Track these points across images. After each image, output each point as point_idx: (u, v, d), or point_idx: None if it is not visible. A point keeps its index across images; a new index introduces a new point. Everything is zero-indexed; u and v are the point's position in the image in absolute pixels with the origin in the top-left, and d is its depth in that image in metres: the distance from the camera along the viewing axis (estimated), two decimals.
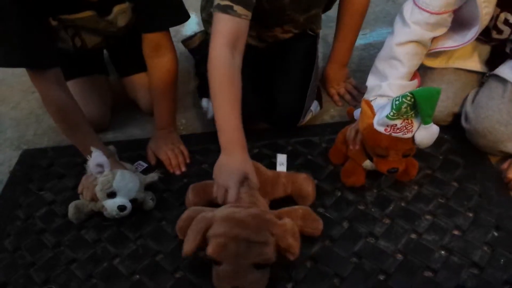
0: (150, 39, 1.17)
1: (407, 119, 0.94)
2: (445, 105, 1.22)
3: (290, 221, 0.91)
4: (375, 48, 1.70)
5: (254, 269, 0.86)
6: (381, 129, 0.97)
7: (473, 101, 1.19)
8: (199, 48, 1.49)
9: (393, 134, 0.96)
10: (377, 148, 1.01)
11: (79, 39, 1.25)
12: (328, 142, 1.26)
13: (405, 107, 0.91)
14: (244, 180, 0.95)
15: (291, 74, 1.31)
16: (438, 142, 1.21)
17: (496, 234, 0.98)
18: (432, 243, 0.97)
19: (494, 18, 1.11)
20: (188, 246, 0.89)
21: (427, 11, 1.10)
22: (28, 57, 1.04)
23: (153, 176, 1.13)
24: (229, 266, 0.85)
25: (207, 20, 1.39)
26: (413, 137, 0.97)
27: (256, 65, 1.30)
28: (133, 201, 1.06)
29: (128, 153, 1.28)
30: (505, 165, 1.11)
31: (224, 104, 1.00)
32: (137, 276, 0.97)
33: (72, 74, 1.35)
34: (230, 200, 0.93)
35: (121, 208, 1.03)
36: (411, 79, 1.16)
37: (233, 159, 0.97)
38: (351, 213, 1.06)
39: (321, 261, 0.96)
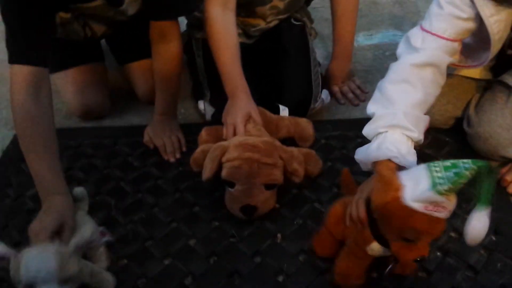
0: (157, 26, 1.16)
1: (450, 196, 0.71)
2: (446, 109, 1.20)
3: (296, 150, 1.04)
4: (379, 49, 1.69)
5: (264, 189, 0.97)
6: (419, 206, 0.71)
7: (476, 105, 1.18)
8: (188, 46, 1.49)
9: (435, 214, 0.71)
10: (408, 231, 0.73)
11: (89, 29, 1.25)
12: (327, 138, 1.25)
13: (463, 182, 0.67)
14: (249, 118, 1.07)
15: (290, 62, 1.31)
16: (439, 144, 1.21)
17: (494, 238, 0.96)
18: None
19: (509, 38, 1.07)
20: (207, 172, 1.00)
21: (444, 38, 0.96)
22: (18, 54, 0.98)
23: (80, 240, 0.78)
24: (242, 186, 0.96)
25: (192, 24, 1.40)
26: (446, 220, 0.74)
27: (251, 63, 1.30)
28: (69, 281, 0.75)
29: (125, 139, 1.27)
30: (504, 169, 1.10)
31: (224, 55, 1.13)
32: (125, 261, 0.94)
33: (70, 63, 1.35)
34: (238, 133, 1.05)
35: None
36: None
37: (238, 102, 1.09)
38: None
39: (313, 256, 0.94)
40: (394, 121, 0.86)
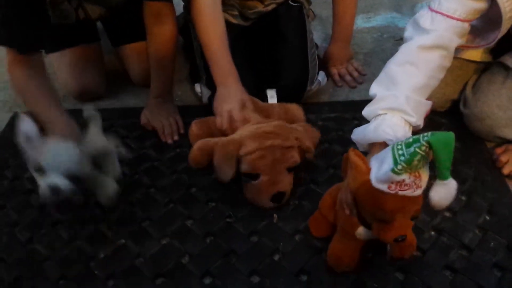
0: (152, 7, 1.15)
1: (415, 172, 0.70)
2: (443, 92, 1.20)
3: (302, 127, 1.04)
4: (378, 32, 1.68)
5: (287, 173, 0.98)
6: (383, 187, 0.72)
7: (473, 86, 1.18)
8: (185, 29, 1.49)
9: (400, 193, 0.71)
10: (378, 212, 0.75)
11: (82, 11, 1.23)
12: (324, 120, 1.25)
13: (418, 159, 0.67)
14: (243, 104, 1.04)
15: (286, 45, 1.30)
16: (435, 125, 1.21)
17: (488, 218, 0.97)
18: (422, 223, 0.96)
19: None
20: (227, 172, 0.96)
21: (454, 18, 0.93)
22: (10, 38, 1.02)
23: (99, 146, 0.88)
24: (268, 176, 0.95)
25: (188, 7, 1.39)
26: (422, 195, 0.74)
27: (247, 45, 1.30)
28: (74, 178, 0.83)
29: (122, 121, 1.27)
30: (499, 150, 1.10)
31: (212, 42, 1.11)
32: (123, 241, 0.95)
33: (66, 44, 1.34)
34: (236, 118, 1.02)
35: (53, 189, 0.80)
36: None
37: (229, 90, 1.06)
38: None
39: (309, 235, 0.95)
40: (395, 104, 0.86)
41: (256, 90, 1.28)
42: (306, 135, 1.03)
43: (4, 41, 1.02)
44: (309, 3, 1.45)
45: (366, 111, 0.91)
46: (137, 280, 0.88)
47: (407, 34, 0.98)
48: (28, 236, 0.97)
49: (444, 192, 0.72)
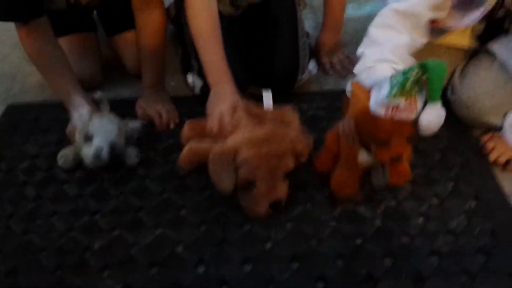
0: None
1: (411, 97, 0.78)
2: None
3: (293, 132, 1.01)
4: (370, 20, 1.67)
5: (283, 178, 0.96)
6: (381, 111, 0.81)
7: (460, 73, 1.19)
8: (177, 18, 1.48)
9: (396, 116, 0.81)
10: (377, 135, 0.86)
11: None
12: (316, 109, 1.27)
13: (411, 84, 0.76)
14: (235, 107, 1.02)
15: (276, 34, 1.30)
16: None
17: (474, 204, 1.00)
18: (410, 210, 0.99)
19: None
20: (228, 182, 0.94)
21: None
22: (12, 11, 1.04)
23: (135, 124, 1.10)
24: (264, 183, 0.93)
25: None
26: (416, 120, 0.82)
27: (237, 35, 1.30)
28: (113, 147, 1.03)
29: (117, 112, 1.26)
30: (486, 137, 1.12)
31: (207, 45, 1.09)
32: (117, 231, 0.97)
33: (62, 31, 1.33)
34: (225, 122, 1.00)
35: (98, 150, 1.00)
36: None
37: (223, 92, 1.05)
38: None
39: (301, 223, 0.97)
40: (382, 56, 0.96)
41: (247, 81, 1.29)
42: (298, 138, 1.01)
43: (3, 16, 1.06)
44: None
45: (356, 69, 1.00)
46: (132, 269, 0.90)
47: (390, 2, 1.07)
48: (24, 227, 0.98)
49: (434, 114, 0.81)
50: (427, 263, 0.89)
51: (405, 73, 0.77)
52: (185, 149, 1.02)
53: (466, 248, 0.91)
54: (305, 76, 1.31)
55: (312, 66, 1.34)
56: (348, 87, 0.97)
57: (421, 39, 1.05)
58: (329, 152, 0.99)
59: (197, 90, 1.31)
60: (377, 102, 0.81)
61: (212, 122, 1.03)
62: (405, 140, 0.87)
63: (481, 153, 1.11)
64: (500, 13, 1.13)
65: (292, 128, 1.04)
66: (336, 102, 1.28)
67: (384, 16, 1.04)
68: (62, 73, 1.16)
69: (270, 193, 0.94)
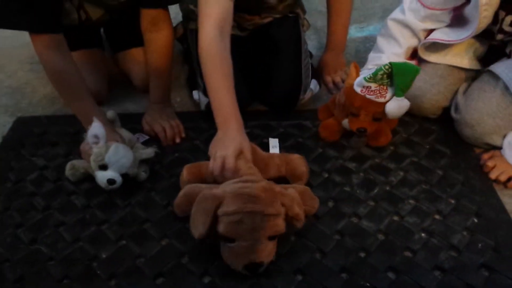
0: (148, 14, 1.18)
1: (382, 85, 1.07)
2: (436, 99, 1.24)
3: (294, 191, 0.94)
4: (371, 41, 1.73)
5: (268, 241, 0.88)
6: (357, 89, 1.10)
7: (464, 93, 1.22)
8: (184, 37, 1.52)
9: (367, 96, 1.10)
10: (351, 107, 1.13)
11: (83, 12, 1.26)
12: (318, 126, 1.28)
13: (381, 74, 1.05)
14: (240, 153, 0.98)
15: (280, 54, 1.34)
16: (425, 131, 1.26)
17: (476, 220, 1.01)
18: (413, 225, 1.00)
19: (500, 21, 1.13)
20: (200, 229, 0.87)
21: (421, 3, 1.19)
22: (33, 21, 1.06)
23: (150, 153, 1.10)
24: (245, 242, 0.86)
25: (186, 15, 1.42)
26: (383, 104, 1.11)
27: (242, 54, 1.33)
28: (124, 175, 1.06)
29: (122, 126, 1.29)
30: (486, 155, 1.15)
31: (218, 84, 1.04)
32: (124, 242, 0.98)
33: (71, 47, 1.35)
34: (228, 167, 0.95)
35: (110, 181, 1.03)
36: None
37: (229, 134, 1.00)
38: (337, 193, 1.08)
39: (305, 236, 0.98)
40: (379, 61, 1.23)
41: (250, 98, 1.33)
42: (296, 201, 0.92)
43: (26, 26, 1.08)
44: (304, 12, 1.49)
45: (363, 69, 1.27)
46: (138, 279, 0.91)
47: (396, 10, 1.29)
48: (32, 237, 0.99)
49: (396, 105, 1.11)
50: (430, 278, 0.90)
51: (381, 66, 1.05)
52: (180, 193, 1.00)
53: (469, 264, 0.92)
54: (307, 95, 1.34)
55: (313, 85, 1.36)
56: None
57: (413, 44, 1.27)
58: (328, 106, 1.27)
59: (202, 107, 1.34)
60: (357, 82, 1.10)
61: (214, 165, 0.98)
62: (371, 117, 1.14)
63: (482, 171, 1.13)
64: (499, 37, 1.16)
65: (297, 186, 1.00)
66: None
67: (387, 26, 1.27)
68: (80, 92, 1.16)
69: (248, 253, 0.87)
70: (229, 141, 0.99)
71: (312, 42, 1.71)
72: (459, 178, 1.12)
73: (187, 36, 1.43)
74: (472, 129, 1.16)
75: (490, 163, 1.12)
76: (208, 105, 1.29)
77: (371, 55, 1.32)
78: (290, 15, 1.42)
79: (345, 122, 1.18)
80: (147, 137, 1.24)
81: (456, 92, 1.25)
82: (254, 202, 0.86)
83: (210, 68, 1.05)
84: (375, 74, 1.05)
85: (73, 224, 1.02)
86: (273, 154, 1.12)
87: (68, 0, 1.19)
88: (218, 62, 1.04)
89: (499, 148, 1.15)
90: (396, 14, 1.26)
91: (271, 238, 0.88)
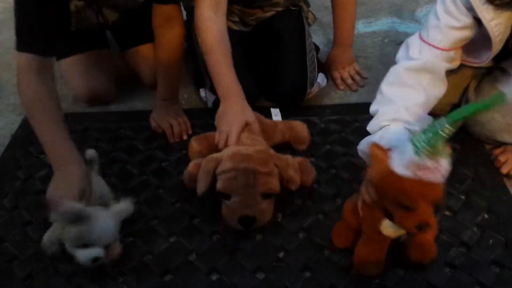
0: (162, 10, 1.18)
1: (436, 157, 0.72)
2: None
3: (291, 157, 1.01)
4: (378, 36, 1.72)
5: (261, 199, 0.94)
6: (407, 173, 0.73)
7: (475, 89, 1.20)
8: (189, 35, 1.52)
9: (424, 177, 0.73)
10: (402, 198, 0.76)
11: (101, 16, 1.27)
12: (326, 122, 1.28)
13: (441, 139, 0.70)
14: (244, 126, 1.03)
15: (284, 49, 1.33)
16: None
17: (486, 216, 1.00)
18: None
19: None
20: (201, 187, 0.97)
21: (439, 48, 1.01)
22: (27, 43, 1.02)
23: (129, 208, 0.92)
24: (239, 197, 0.94)
25: (191, 13, 1.41)
26: (442, 185, 0.75)
27: (247, 50, 1.33)
28: (108, 246, 0.89)
29: (130, 123, 1.31)
30: (498, 151, 1.13)
31: (217, 60, 1.09)
32: (131, 239, 0.98)
33: (76, 49, 1.37)
34: (230, 144, 1.01)
35: (96, 259, 0.86)
36: None
37: (233, 108, 1.05)
38: (345, 190, 1.07)
39: (312, 233, 0.98)
40: (397, 115, 0.92)
41: (256, 94, 1.32)
42: (291, 165, 0.98)
43: (25, 47, 1.01)
44: (308, 5, 1.48)
45: (370, 126, 0.96)
46: (146, 276, 0.91)
47: (398, 55, 1.06)
48: (40, 234, 0.98)
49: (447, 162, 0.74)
50: (440, 274, 0.89)
51: (425, 131, 0.71)
52: (191, 164, 1.03)
53: (479, 260, 0.91)
54: (314, 89, 1.33)
55: (321, 79, 1.36)
56: (362, 148, 0.95)
57: (439, 91, 1.03)
58: (347, 226, 0.91)
59: (210, 104, 1.34)
60: (403, 163, 0.73)
61: (219, 139, 1.04)
62: (432, 207, 0.77)
63: (493, 166, 1.12)
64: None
65: (296, 158, 1.03)
66: (347, 115, 1.31)
67: (397, 73, 1.00)
68: (57, 126, 0.99)
69: (242, 207, 0.93)
70: (233, 116, 1.04)
71: (319, 38, 1.70)
72: (469, 173, 1.10)
73: (192, 35, 1.43)
74: (482, 127, 1.15)
75: (502, 158, 1.10)
76: (215, 102, 1.30)
77: (379, 109, 0.97)
78: (293, 8, 1.41)
79: (388, 224, 0.82)
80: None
81: (465, 89, 1.23)
82: (248, 161, 0.94)
83: (209, 47, 1.09)
84: (432, 145, 0.69)
85: None
86: (277, 121, 1.19)
87: (89, 8, 1.20)
88: (215, 41, 1.09)
89: (510, 144, 1.13)
90: (407, 64, 1.01)
91: (265, 196, 0.95)
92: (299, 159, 1.04)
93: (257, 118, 1.09)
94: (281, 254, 0.94)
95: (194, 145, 1.11)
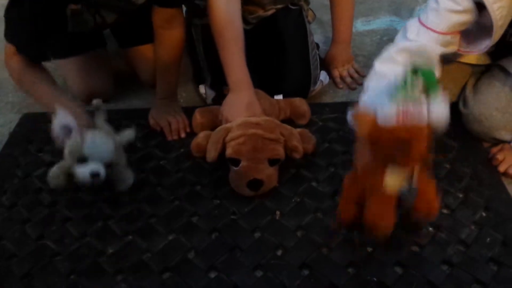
0: (163, 12, 1.17)
1: (415, 101, 0.80)
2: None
3: (293, 128, 1.09)
4: (377, 35, 1.72)
5: (268, 164, 1.01)
6: (392, 121, 0.80)
7: (473, 87, 1.21)
8: (188, 32, 1.52)
9: (407, 122, 0.80)
10: (396, 146, 0.79)
11: (99, 17, 1.27)
12: (325, 120, 1.28)
13: (412, 84, 0.80)
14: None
15: (287, 48, 1.33)
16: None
17: (484, 214, 1.00)
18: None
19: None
20: (212, 152, 1.03)
21: (436, 31, 1.02)
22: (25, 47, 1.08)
23: (130, 134, 1.01)
24: (247, 162, 1.00)
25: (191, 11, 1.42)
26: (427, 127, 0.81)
27: (248, 48, 1.32)
28: (108, 165, 0.95)
29: (128, 121, 1.29)
30: (495, 149, 1.13)
31: (228, 45, 1.10)
32: (130, 237, 0.98)
33: (74, 50, 1.37)
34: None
35: (94, 175, 0.91)
36: None
37: (241, 99, 1.09)
38: None
39: (311, 231, 0.98)
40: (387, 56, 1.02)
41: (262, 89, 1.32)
42: (294, 135, 1.07)
43: (21, 48, 1.08)
44: (308, 3, 1.48)
45: (361, 102, 1.02)
46: (145, 274, 0.91)
47: (397, 38, 1.08)
48: (39, 232, 0.99)
49: (440, 108, 0.83)
50: (438, 272, 0.89)
51: (406, 80, 0.81)
52: (200, 135, 1.11)
53: (477, 258, 0.91)
54: (317, 87, 1.33)
55: (323, 76, 1.37)
56: (350, 117, 0.93)
57: None
58: (349, 199, 0.91)
59: (209, 100, 1.34)
60: (385, 114, 0.80)
61: (222, 122, 1.10)
62: (424, 145, 0.80)
63: (491, 165, 1.12)
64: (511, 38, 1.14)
65: (296, 129, 1.11)
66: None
67: (391, 53, 1.03)
68: (49, 86, 1.13)
69: (251, 171, 1.00)
70: (240, 109, 1.08)
71: (318, 36, 1.70)
72: (467, 171, 1.11)
73: (191, 32, 1.43)
74: (480, 124, 1.15)
75: (499, 156, 1.10)
76: (215, 99, 1.30)
77: (370, 84, 1.02)
78: (294, 7, 1.41)
79: (391, 179, 0.83)
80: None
81: (464, 87, 1.23)
82: (255, 128, 1.02)
83: (220, 31, 1.10)
84: (404, 90, 0.79)
85: (79, 220, 1.02)
86: (279, 99, 1.25)
87: (85, 11, 1.20)
88: (227, 26, 1.10)
89: (508, 142, 1.14)
90: (407, 43, 1.04)
91: (271, 162, 1.02)
92: (299, 129, 1.13)
93: (264, 96, 1.16)
94: (279, 252, 0.94)
95: (198, 116, 1.18)
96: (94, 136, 0.93)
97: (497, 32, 1.01)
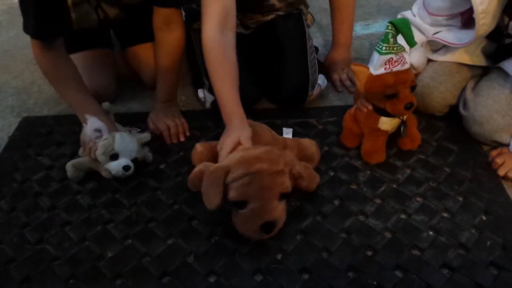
0: (162, 13, 1.18)
1: (398, 51, 1.00)
2: (443, 97, 1.23)
3: (291, 153, 1.00)
4: (376, 38, 1.72)
5: (278, 201, 0.91)
6: (381, 70, 1.02)
7: (473, 89, 1.21)
8: (187, 36, 1.52)
9: (394, 69, 1.02)
10: (386, 90, 1.03)
11: (101, 11, 1.27)
12: (324, 124, 1.28)
13: (391, 36, 0.99)
14: (237, 144, 0.99)
15: (286, 52, 1.33)
16: (432, 128, 1.25)
17: (484, 218, 1.00)
18: (420, 223, 0.99)
19: (504, 26, 1.12)
20: (213, 200, 0.91)
21: (426, 10, 1.21)
22: (39, 30, 1.11)
23: (146, 136, 1.16)
24: (256, 203, 0.89)
25: (190, 15, 1.41)
26: (410, 67, 1.05)
27: (247, 52, 1.33)
28: (134, 160, 1.10)
29: (128, 125, 1.29)
30: (494, 152, 1.13)
31: (221, 81, 1.06)
32: (130, 241, 0.98)
33: (78, 47, 1.37)
34: (220, 155, 1.00)
35: (126, 168, 1.08)
36: None
37: (232, 128, 1.03)
38: (343, 192, 1.07)
39: (311, 235, 0.97)
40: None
41: (257, 95, 1.32)
42: (296, 160, 0.99)
43: (31, 32, 1.12)
44: (307, 7, 1.48)
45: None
46: (144, 279, 0.91)
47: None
48: (38, 237, 0.99)
49: (417, 52, 1.15)
50: (438, 276, 0.89)
51: (386, 34, 0.99)
52: (195, 170, 1.01)
53: (477, 262, 0.91)
54: (315, 91, 1.33)
55: (321, 80, 1.36)
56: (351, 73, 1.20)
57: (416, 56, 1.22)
58: (349, 130, 1.17)
59: (208, 104, 1.34)
60: (375, 65, 1.02)
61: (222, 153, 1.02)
62: (409, 89, 1.05)
63: (490, 168, 1.11)
64: (507, 41, 1.15)
65: (300, 162, 1.01)
66: None
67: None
68: (77, 87, 1.20)
69: (262, 213, 0.89)
70: (229, 135, 1.03)
71: (317, 39, 1.70)
72: (467, 175, 1.10)
73: (191, 37, 1.43)
74: (480, 127, 1.15)
75: (498, 160, 1.10)
76: (214, 103, 1.30)
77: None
78: (293, 11, 1.41)
79: (384, 120, 1.09)
80: (138, 130, 1.24)
81: (463, 89, 1.23)
82: (259, 162, 0.90)
83: (214, 67, 1.07)
84: (386, 40, 0.99)
85: (79, 224, 1.02)
86: (286, 138, 1.16)
87: (86, 2, 1.20)
88: (221, 61, 1.06)
89: (507, 145, 1.13)
90: (408, 14, 1.26)
91: (280, 197, 0.92)
92: (303, 163, 1.02)
93: (266, 130, 1.09)
94: (279, 256, 0.94)
95: (198, 148, 1.10)
96: (122, 137, 1.09)
97: (479, 20, 1.06)
